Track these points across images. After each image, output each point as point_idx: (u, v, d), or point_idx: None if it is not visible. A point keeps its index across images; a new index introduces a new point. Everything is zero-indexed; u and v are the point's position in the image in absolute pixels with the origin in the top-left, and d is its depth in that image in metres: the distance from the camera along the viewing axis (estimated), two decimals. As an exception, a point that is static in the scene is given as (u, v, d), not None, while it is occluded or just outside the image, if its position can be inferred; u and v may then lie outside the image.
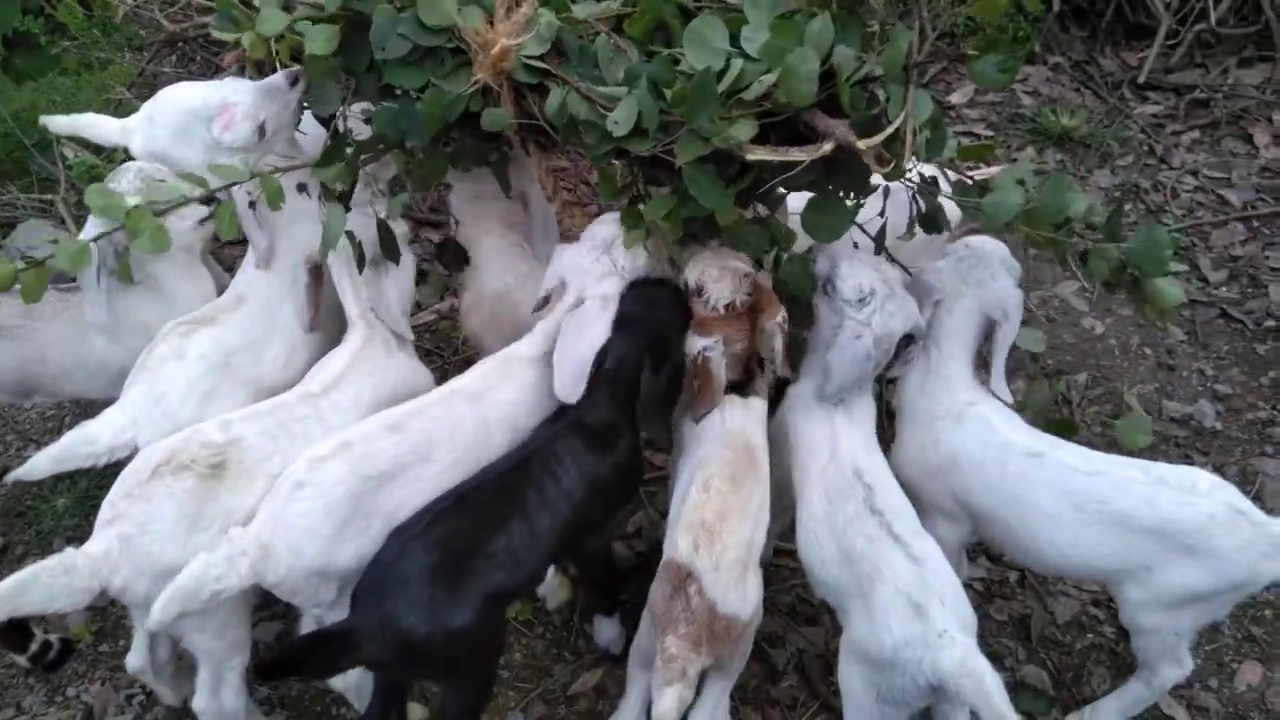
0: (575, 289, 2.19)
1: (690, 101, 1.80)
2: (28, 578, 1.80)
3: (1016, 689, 2.39)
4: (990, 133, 4.30)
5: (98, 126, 2.34)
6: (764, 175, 1.94)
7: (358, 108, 2.40)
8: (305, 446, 2.04)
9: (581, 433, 2.11)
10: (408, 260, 2.46)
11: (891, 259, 2.33)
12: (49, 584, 1.81)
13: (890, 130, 1.80)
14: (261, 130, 2.26)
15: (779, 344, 2.14)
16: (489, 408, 2.15)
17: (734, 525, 1.93)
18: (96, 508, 2.76)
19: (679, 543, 1.92)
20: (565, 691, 2.42)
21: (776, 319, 2.13)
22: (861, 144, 1.77)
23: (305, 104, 2.40)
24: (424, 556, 1.86)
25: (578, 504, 2.06)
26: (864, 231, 2.30)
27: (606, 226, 2.22)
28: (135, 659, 2.21)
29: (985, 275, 2.16)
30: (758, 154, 1.82)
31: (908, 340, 2.19)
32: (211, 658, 2.07)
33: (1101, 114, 4.39)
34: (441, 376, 2.67)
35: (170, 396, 2.18)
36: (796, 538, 2.10)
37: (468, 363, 2.97)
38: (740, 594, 1.91)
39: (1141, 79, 4.53)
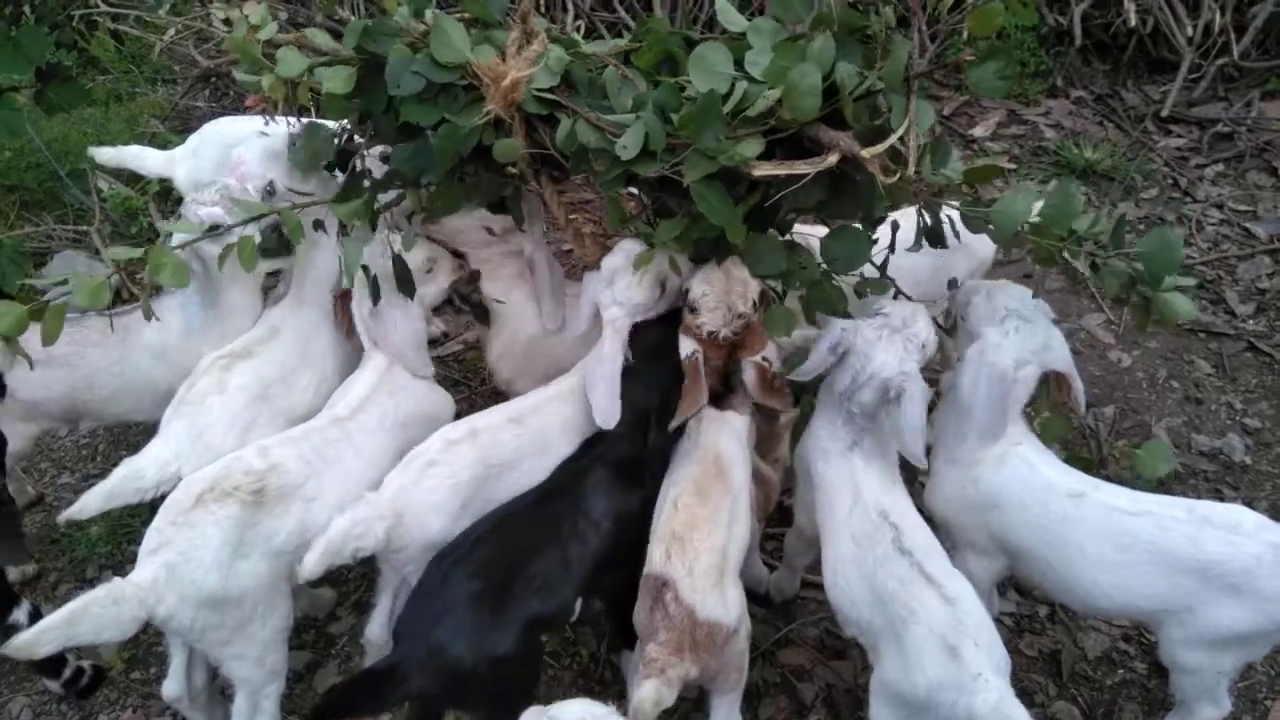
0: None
1: (696, 122, 1.84)
2: (79, 608, 1.82)
3: (1048, 726, 2.38)
4: (1013, 166, 4.31)
5: (143, 158, 2.43)
6: (771, 192, 1.96)
7: (376, 150, 2.46)
8: (338, 469, 2.13)
9: (610, 467, 2.15)
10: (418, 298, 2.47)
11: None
12: (99, 614, 1.84)
13: (894, 138, 1.82)
14: (270, 189, 2.41)
15: (750, 377, 2.18)
16: None
17: (704, 533, 1.96)
18: (129, 535, 2.84)
19: (653, 555, 1.95)
20: (593, 723, 2.41)
21: (755, 357, 2.17)
22: (865, 152, 1.79)
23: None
24: (466, 584, 1.89)
25: (606, 535, 2.09)
26: (874, 265, 2.30)
27: (614, 258, 2.28)
28: (172, 686, 2.22)
29: (1044, 338, 2.16)
30: (764, 169, 1.84)
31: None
32: (249, 685, 2.09)
33: (1125, 147, 4.39)
34: (468, 407, 2.69)
35: (213, 430, 2.22)
36: (824, 579, 2.10)
37: (495, 393, 3.01)
38: (719, 599, 1.91)
39: (1164, 112, 4.53)
